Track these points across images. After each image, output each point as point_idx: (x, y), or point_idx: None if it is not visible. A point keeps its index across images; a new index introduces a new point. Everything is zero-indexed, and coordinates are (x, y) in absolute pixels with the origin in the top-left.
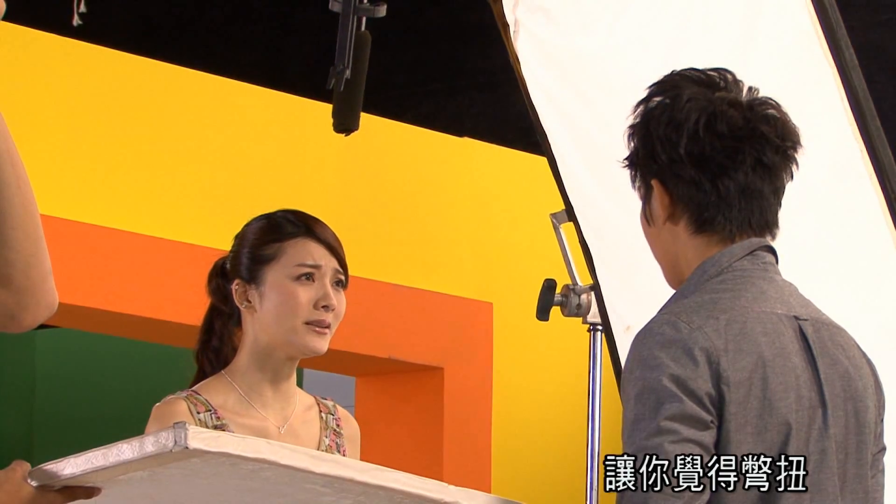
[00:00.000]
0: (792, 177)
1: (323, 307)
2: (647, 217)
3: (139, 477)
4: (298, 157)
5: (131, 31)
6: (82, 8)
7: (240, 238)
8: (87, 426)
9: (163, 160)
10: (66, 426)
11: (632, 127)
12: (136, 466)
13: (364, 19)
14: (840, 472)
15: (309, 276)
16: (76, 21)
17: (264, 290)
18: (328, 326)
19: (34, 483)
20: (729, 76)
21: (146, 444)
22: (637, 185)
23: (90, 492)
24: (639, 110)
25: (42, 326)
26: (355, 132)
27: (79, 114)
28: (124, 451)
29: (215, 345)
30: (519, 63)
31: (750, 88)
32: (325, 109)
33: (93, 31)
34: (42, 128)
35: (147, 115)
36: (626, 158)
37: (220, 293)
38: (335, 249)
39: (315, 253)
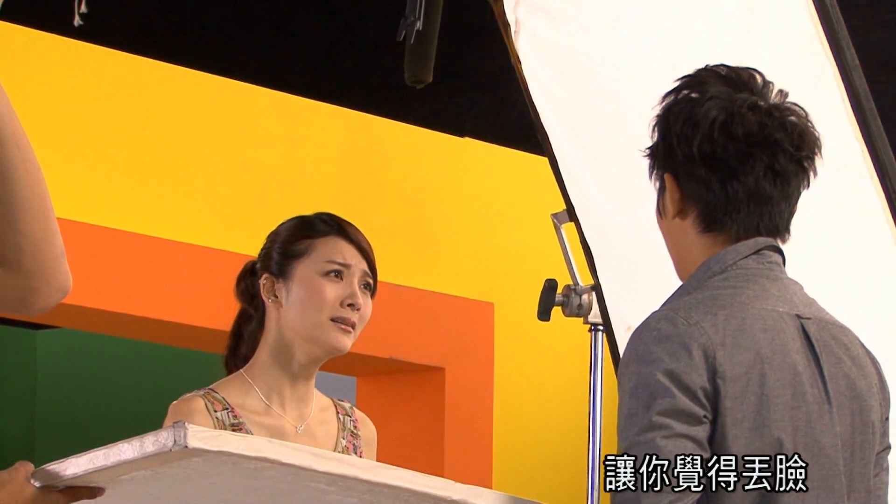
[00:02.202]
0: (808, 185)
1: (349, 305)
2: (660, 210)
3: (142, 476)
4: (299, 157)
5: (132, 31)
6: (83, 8)
7: (272, 236)
8: (88, 427)
9: (162, 160)
10: (68, 427)
11: (656, 118)
12: (138, 466)
13: None
14: (846, 471)
15: (338, 274)
16: (77, 21)
17: (292, 285)
18: (353, 325)
19: (37, 483)
20: (759, 76)
21: (146, 444)
22: (653, 176)
23: (94, 492)
24: (664, 103)
25: (43, 327)
26: (356, 130)
27: (79, 114)
28: (125, 450)
29: (244, 352)
30: (520, 63)
31: (780, 91)
32: (325, 109)
33: (93, 32)
34: (42, 128)
35: (147, 115)
36: (648, 148)
37: (248, 294)
38: (366, 252)
39: (346, 252)
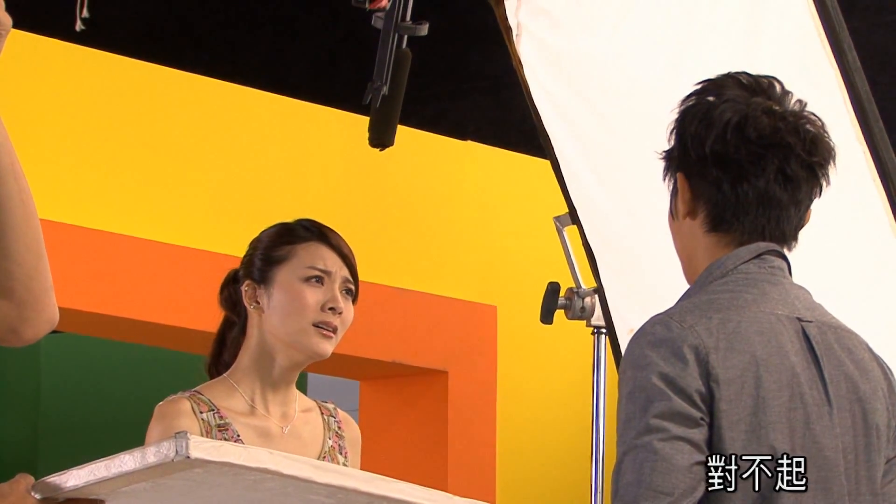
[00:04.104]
0: (820, 194)
1: (330, 309)
2: (672, 211)
3: (142, 488)
4: (302, 161)
5: (134, 35)
6: (85, 13)
7: (254, 243)
8: (92, 432)
9: (166, 165)
10: (72, 432)
11: (674, 121)
12: (139, 477)
13: (405, 37)
14: (850, 474)
15: (319, 280)
16: (79, 26)
17: (273, 291)
18: (335, 330)
19: (38, 496)
20: (778, 85)
21: (148, 455)
22: (667, 178)
23: None
24: (682, 106)
25: None
26: (358, 134)
27: (82, 118)
28: (126, 461)
29: (226, 359)
30: (522, 66)
31: (798, 101)
32: (328, 114)
33: (96, 36)
34: (45, 132)
35: (150, 119)
36: (664, 151)
37: (231, 301)
38: (347, 258)
39: (327, 258)
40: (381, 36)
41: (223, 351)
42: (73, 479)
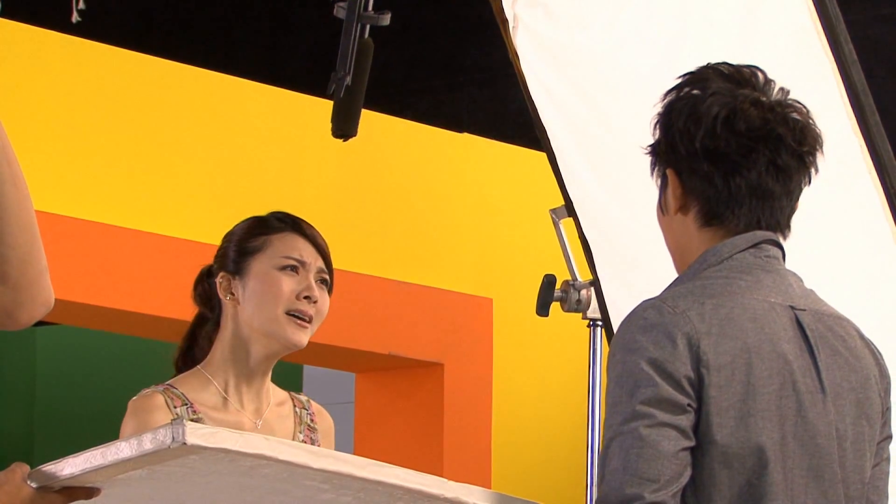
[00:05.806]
0: (809, 181)
1: (305, 298)
2: (662, 206)
3: (138, 476)
4: (297, 153)
5: (130, 27)
6: (81, 5)
7: (227, 236)
8: (87, 423)
9: (162, 156)
10: (67, 423)
11: (657, 116)
12: (135, 464)
13: (367, 27)
14: (844, 462)
15: (294, 269)
16: (75, 18)
17: (248, 281)
18: (310, 320)
19: (34, 484)
20: (760, 74)
21: (144, 442)
22: (655, 173)
23: (90, 492)
24: (666, 100)
25: (42, 323)
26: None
27: (77, 110)
28: (123, 449)
29: (196, 355)
30: (518, 59)
31: (781, 89)
32: (324, 105)
33: (92, 28)
34: (41, 124)
35: (145, 111)
36: (649, 146)
37: (205, 296)
38: (322, 248)
39: (302, 248)
40: (344, 26)
41: (193, 347)
42: (69, 467)
